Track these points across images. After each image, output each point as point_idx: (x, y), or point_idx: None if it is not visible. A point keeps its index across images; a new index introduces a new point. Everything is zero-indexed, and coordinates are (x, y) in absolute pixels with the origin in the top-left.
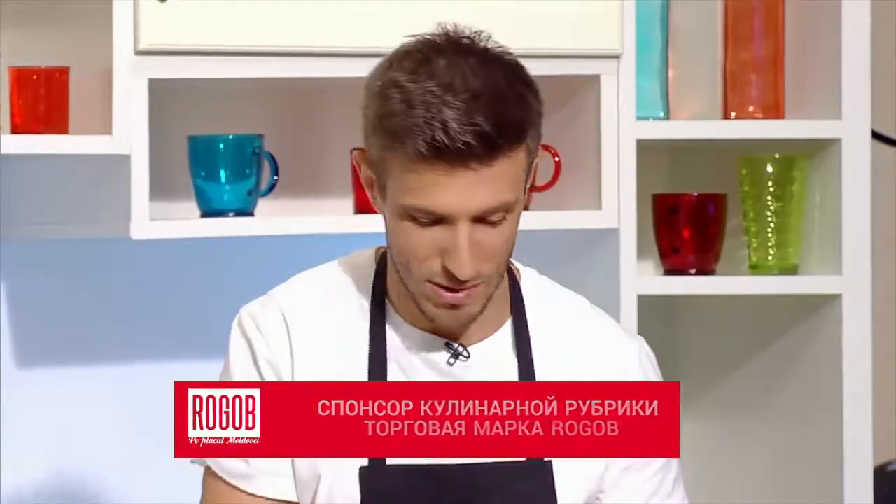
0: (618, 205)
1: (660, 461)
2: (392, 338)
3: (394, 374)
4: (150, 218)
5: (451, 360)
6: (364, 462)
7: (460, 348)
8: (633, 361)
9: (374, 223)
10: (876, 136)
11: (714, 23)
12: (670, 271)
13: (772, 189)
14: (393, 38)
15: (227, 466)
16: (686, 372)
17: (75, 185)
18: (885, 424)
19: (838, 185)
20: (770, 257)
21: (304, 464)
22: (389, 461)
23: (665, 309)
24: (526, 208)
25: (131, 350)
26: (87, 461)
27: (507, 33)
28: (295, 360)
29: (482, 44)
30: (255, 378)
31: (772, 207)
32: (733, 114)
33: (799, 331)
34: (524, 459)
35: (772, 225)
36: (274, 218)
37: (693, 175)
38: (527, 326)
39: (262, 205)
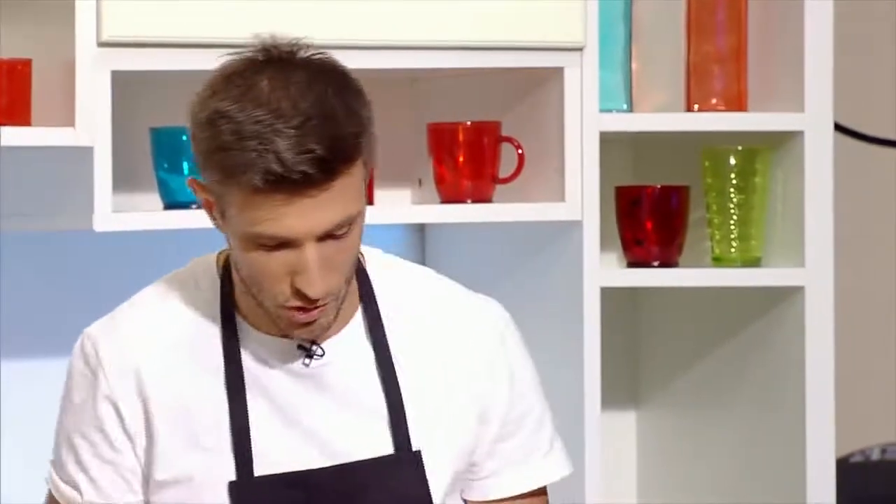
0: (581, 197)
1: (531, 422)
2: (247, 350)
3: (252, 389)
4: (113, 210)
5: (307, 361)
6: (232, 476)
7: (313, 347)
8: (489, 324)
9: None
10: (839, 128)
11: (677, 16)
12: (633, 263)
13: (734, 181)
14: (354, 30)
15: (66, 495)
16: (649, 363)
17: (38, 177)
18: (848, 416)
19: (801, 178)
20: (733, 250)
21: (165, 487)
22: (258, 472)
23: (628, 301)
24: (489, 200)
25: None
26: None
27: (470, 26)
28: (144, 385)
29: (302, 53)
30: (90, 411)
31: (734, 200)
32: (696, 106)
33: (762, 323)
34: (393, 452)
35: (734, 217)
36: None
37: (656, 167)
38: (377, 310)
39: None
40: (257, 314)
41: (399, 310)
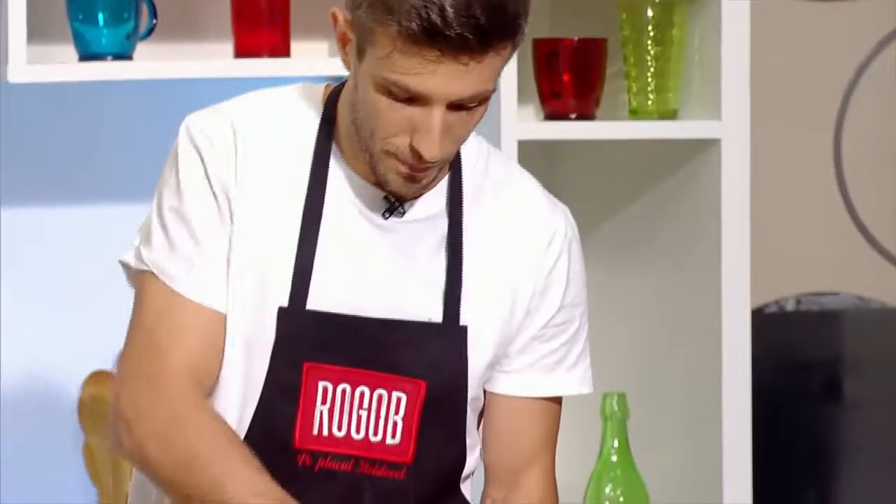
0: None
1: (569, 333)
2: (333, 178)
3: (328, 215)
4: (28, 61)
5: (386, 215)
6: (284, 303)
7: (397, 204)
8: (560, 231)
9: (254, 68)
10: None
11: None
12: (551, 116)
13: (652, 34)
14: None
15: (173, 273)
16: None
17: None
18: (763, 268)
19: (718, 30)
20: (650, 102)
21: (230, 293)
22: (309, 306)
23: (545, 154)
24: None
25: (16, 194)
26: None
27: None
28: (238, 180)
29: None
30: (207, 191)
31: (651, 52)
32: None
33: (678, 175)
34: (440, 321)
35: (651, 70)
36: (153, 62)
37: (573, 20)
38: (461, 187)
39: (141, 49)
40: (356, 155)
41: (480, 191)
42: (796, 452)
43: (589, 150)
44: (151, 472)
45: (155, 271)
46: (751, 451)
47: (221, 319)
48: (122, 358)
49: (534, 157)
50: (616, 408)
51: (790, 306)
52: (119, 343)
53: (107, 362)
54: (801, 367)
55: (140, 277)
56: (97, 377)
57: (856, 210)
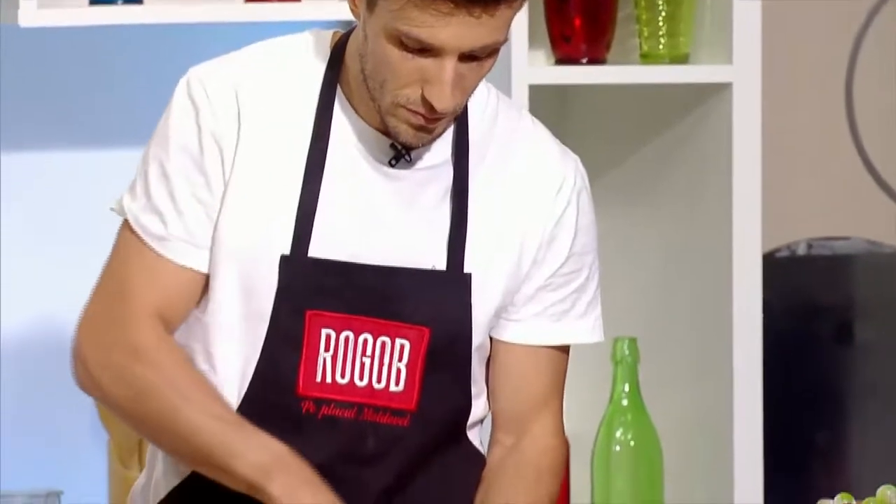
0: None
1: (577, 282)
2: (338, 125)
3: (332, 162)
4: (39, 6)
5: (393, 162)
6: (286, 250)
7: (404, 151)
8: (570, 180)
9: (264, 12)
10: None
11: None
12: (561, 61)
13: None
14: None
15: (146, 225)
16: None
17: None
18: (774, 212)
19: None
20: (661, 46)
21: (225, 244)
22: (311, 253)
23: (556, 99)
24: None
25: (21, 138)
26: None
27: None
28: (241, 133)
29: None
30: (195, 147)
31: None
32: None
33: (689, 120)
34: (444, 269)
35: (663, 13)
36: (163, 6)
37: None
38: (468, 138)
39: None
40: (363, 103)
41: (488, 139)
42: (807, 396)
43: (600, 95)
44: (108, 403)
45: (130, 220)
46: (761, 394)
47: (190, 275)
48: (89, 301)
49: (545, 101)
50: (627, 352)
51: (801, 251)
52: None
53: None
54: (811, 311)
55: (121, 224)
56: None
57: (867, 154)
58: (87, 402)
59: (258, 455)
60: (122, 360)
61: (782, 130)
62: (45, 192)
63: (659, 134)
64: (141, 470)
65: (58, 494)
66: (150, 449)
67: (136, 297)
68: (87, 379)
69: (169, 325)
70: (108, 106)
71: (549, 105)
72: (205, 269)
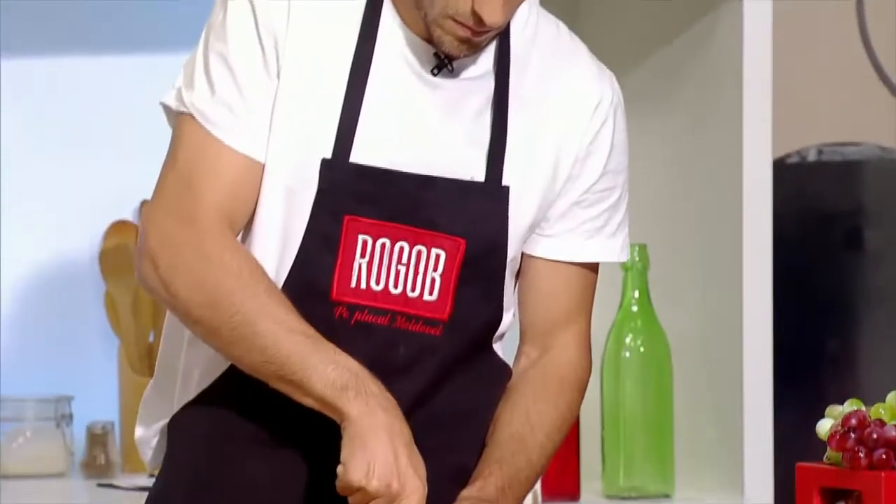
0: None
1: (610, 200)
2: (384, 31)
3: (376, 68)
4: None
5: (435, 71)
6: (327, 154)
7: (447, 61)
8: (607, 96)
9: None
10: None
11: None
12: None
13: None
14: None
15: (215, 118)
16: None
17: None
18: (785, 118)
19: None
20: None
21: (272, 142)
22: (352, 159)
23: (567, 5)
24: None
25: (20, 44)
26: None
27: None
28: (290, 29)
29: None
30: (254, 40)
31: None
32: None
33: (700, 25)
34: (482, 180)
35: None
36: None
37: None
38: (509, 51)
39: None
40: (409, 10)
41: (529, 54)
42: (817, 303)
43: (610, 1)
44: (178, 308)
45: (194, 114)
46: (771, 301)
47: (257, 167)
48: (154, 196)
49: (555, 8)
50: (637, 258)
51: (812, 156)
52: (139, 195)
53: (127, 213)
54: (822, 217)
55: (179, 119)
56: (119, 227)
57: (878, 59)
58: (97, 308)
59: (336, 373)
60: (196, 263)
61: (793, 36)
62: (61, 99)
63: (670, 40)
64: (151, 376)
65: (68, 400)
66: (161, 355)
67: (204, 193)
68: (156, 280)
69: (234, 224)
70: (121, 8)
71: (560, 11)
72: (263, 161)
